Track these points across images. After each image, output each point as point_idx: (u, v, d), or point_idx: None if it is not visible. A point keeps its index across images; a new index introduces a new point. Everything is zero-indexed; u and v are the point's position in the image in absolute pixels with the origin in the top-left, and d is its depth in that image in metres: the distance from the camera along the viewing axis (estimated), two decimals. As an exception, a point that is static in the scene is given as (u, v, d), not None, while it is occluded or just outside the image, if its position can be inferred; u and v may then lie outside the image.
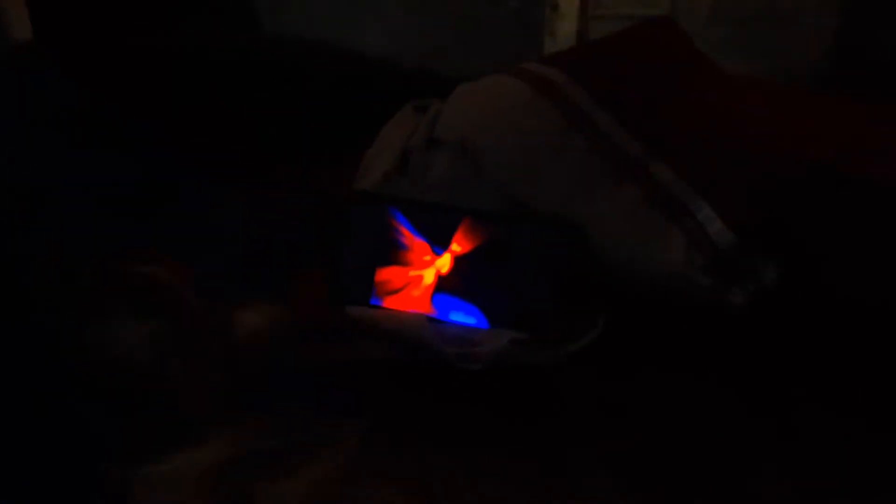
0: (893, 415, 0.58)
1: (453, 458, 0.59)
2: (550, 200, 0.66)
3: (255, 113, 0.76)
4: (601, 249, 0.65)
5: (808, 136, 0.66)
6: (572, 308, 0.66)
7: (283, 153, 0.73)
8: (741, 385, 0.61)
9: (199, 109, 0.75)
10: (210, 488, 0.49)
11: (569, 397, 0.63)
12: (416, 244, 0.68)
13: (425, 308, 0.68)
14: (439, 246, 0.67)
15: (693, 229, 0.62)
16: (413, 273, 0.68)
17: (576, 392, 0.64)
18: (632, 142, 0.64)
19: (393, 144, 0.73)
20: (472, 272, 0.67)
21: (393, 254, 0.68)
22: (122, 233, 0.66)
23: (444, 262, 0.67)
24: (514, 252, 0.66)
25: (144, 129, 0.79)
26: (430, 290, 0.68)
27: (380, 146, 0.74)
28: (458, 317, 0.67)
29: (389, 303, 0.68)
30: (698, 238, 0.62)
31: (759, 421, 0.60)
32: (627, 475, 0.55)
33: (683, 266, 0.62)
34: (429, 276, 0.68)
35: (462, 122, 0.69)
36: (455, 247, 0.67)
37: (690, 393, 0.63)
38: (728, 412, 0.60)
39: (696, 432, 0.61)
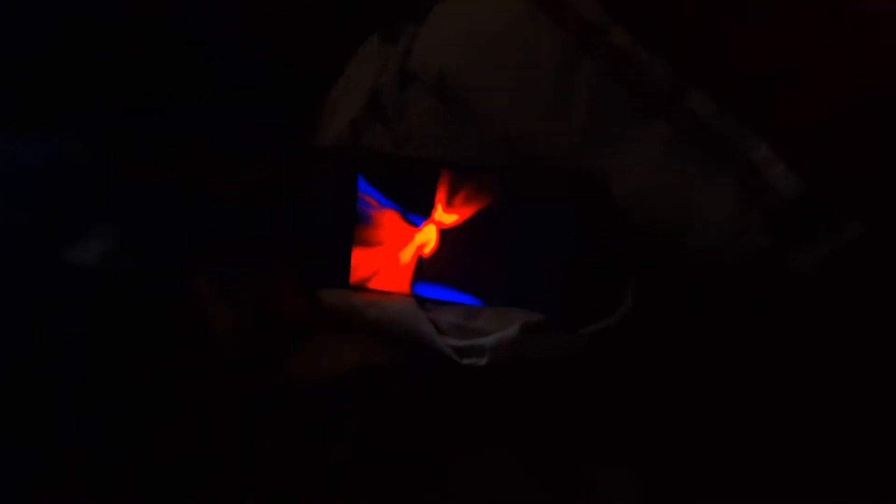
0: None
1: (456, 474, 0.49)
2: (558, 147, 0.52)
3: (182, 63, 0.61)
4: (626, 207, 0.52)
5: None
6: (592, 283, 0.53)
7: (221, 110, 0.59)
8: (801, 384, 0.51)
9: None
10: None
11: (587, 397, 0.52)
12: (386, 215, 0.55)
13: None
14: (419, 215, 0.54)
15: (746, 175, 0.49)
16: (386, 253, 0.55)
17: (595, 390, 0.52)
18: (659, 64, 0.50)
19: (359, 84, 0.59)
20: (465, 248, 0.54)
21: (361, 228, 0.56)
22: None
23: (427, 237, 0.55)
24: (516, 217, 0.53)
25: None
26: (409, 275, 0.55)
27: (343, 88, 0.60)
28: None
29: (371, 284, 0.56)
30: (753, 186, 0.48)
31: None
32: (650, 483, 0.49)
33: (734, 224, 0.49)
34: (406, 256, 0.55)
35: (441, 50, 0.55)
36: (440, 215, 0.54)
37: (731, 391, 0.52)
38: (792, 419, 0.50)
39: (729, 435, 0.51)
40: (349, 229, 0.56)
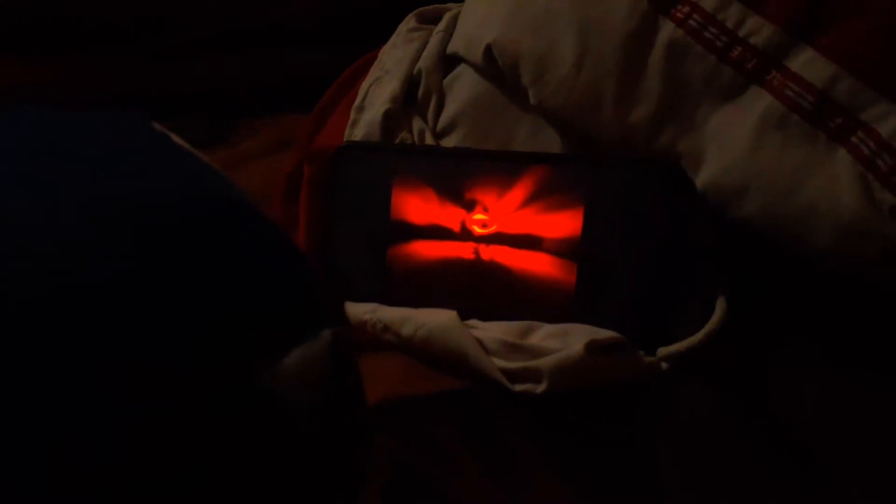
0: None
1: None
2: (634, 128, 0.43)
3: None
4: (716, 199, 0.43)
5: None
6: (676, 292, 0.44)
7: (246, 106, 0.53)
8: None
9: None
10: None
11: (669, 433, 0.43)
12: (427, 217, 0.47)
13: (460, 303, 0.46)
14: (466, 217, 0.46)
15: (870, 152, 0.39)
16: (427, 261, 0.47)
17: (679, 423, 0.43)
18: (755, 20, 0.41)
19: (395, 69, 0.52)
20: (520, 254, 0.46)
21: (405, 226, 0.47)
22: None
23: (477, 243, 0.46)
24: (585, 215, 0.44)
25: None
26: (454, 287, 0.47)
27: (377, 74, 0.53)
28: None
29: (405, 294, 0.47)
30: (880, 165, 0.39)
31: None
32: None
33: (855, 214, 0.39)
34: (450, 264, 0.47)
35: (488, 25, 0.47)
36: (490, 216, 0.46)
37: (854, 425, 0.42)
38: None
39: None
40: (383, 234, 0.48)
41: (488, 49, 0.47)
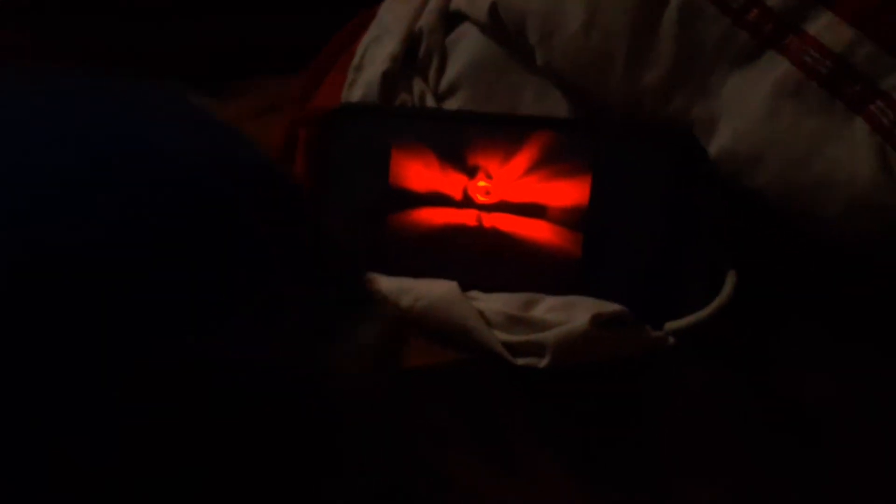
0: None
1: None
2: (644, 93, 0.42)
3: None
4: (728, 167, 0.41)
5: None
6: (683, 265, 0.42)
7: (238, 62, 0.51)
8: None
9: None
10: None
11: (672, 408, 0.42)
12: (427, 183, 0.45)
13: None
14: (468, 183, 0.45)
15: (891, 122, 0.37)
16: (427, 229, 0.45)
17: (682, 399, 0.42)
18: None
19: (394, 27, 0.49)
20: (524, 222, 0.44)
21: (404, 193, 0.46)
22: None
23: (480, 209, 0.45)
24: (588, 182, 0.43)
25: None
26: (455, 254, 0.45)
27: (376, 32, 0.50)
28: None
29: (404, 264, 0.46)
30: (898, 135, 0.37)
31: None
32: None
33: (872, 181, 0.38)
34: (452, 231, 0.45)
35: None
36: (494, 182, 0.44)
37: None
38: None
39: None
40: (381, 201, 0.46)
41: (493, 6, 0.44)
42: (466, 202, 0.45)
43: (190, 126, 0.27)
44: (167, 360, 0.21)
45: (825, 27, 0.38)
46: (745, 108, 0.40)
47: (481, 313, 0.43)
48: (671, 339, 0.42)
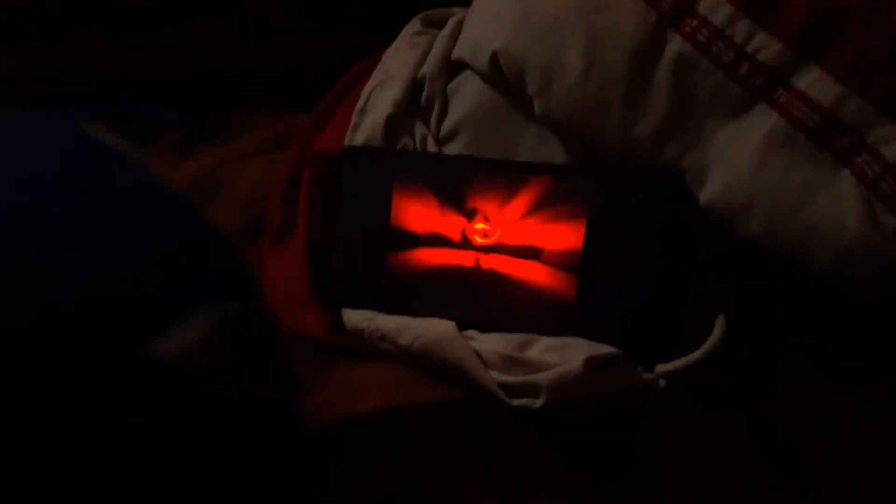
0: None
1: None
2: (639, 141, 0.43)
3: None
4: (719, 214, 0.42)
5: None
6: (676, 308, 0.43)
7: (242, 104, 0.52)
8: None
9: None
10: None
11: (666, 450, 0.42)
12: (427, 225, 0.46)
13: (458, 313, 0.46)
14: (467, 225, 0.46)
15: (874, 173, 0.39)
16: (427, 270, 0.47)
17: (676, 440, 0.42)
18: (763, 36, 0.40)
19: (398, 74, 0.51)
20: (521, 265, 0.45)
21: (404, 233, 0.47)
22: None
23: (478, 253, 0.46)
24: (587, 228, 0.44)
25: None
26: (453, 297, 0.46)
27: (381, 77, 0.52)
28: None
29: (403, 302, 0.47)
30: (884, 187, 0.38)
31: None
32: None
33: (859, 232, 0.39)
34: (450, 273, 0.46)
35: (495, 31, 0.46)
36: (492, 225, 0.45)
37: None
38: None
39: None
40: (382, 241, 0.47)
41: (494, 57, 0.46)
42: (465, 244, 0.46)
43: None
44: (166, 361, 0.22)
45: (813, 82, 0.39)
46: (735, 158, 0.41)
47: (478, 353, 0.44)
48: (662, 382, 0.42)
